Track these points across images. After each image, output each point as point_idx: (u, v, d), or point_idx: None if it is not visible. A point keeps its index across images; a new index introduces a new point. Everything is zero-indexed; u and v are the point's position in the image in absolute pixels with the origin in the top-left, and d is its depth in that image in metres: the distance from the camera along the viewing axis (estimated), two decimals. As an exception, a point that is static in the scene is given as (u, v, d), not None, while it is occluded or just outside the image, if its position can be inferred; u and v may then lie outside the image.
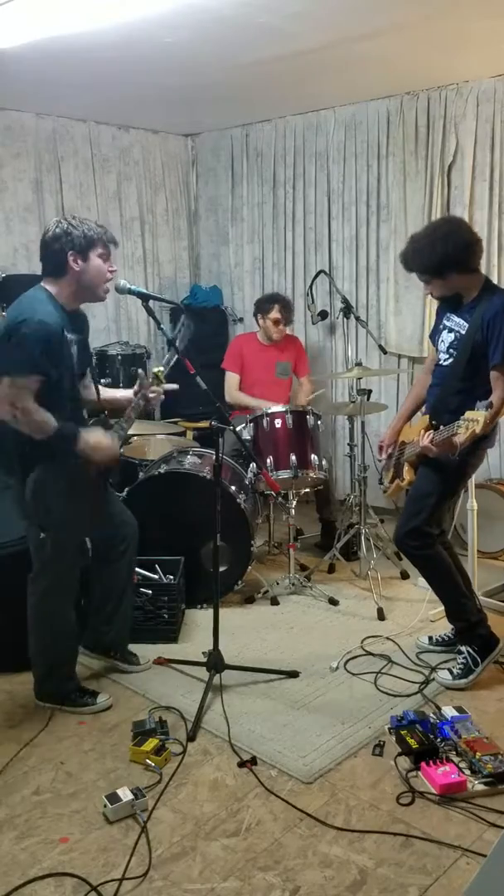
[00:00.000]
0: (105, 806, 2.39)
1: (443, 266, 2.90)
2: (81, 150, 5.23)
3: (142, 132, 5.59)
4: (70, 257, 2.71)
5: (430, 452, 3.00)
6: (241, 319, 5.80)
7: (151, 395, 2.94)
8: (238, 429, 3.53)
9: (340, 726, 2.85)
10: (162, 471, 3.87)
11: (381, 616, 3.74)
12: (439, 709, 2.89)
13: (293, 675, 3.21)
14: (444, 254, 2.87)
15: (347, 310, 4.90)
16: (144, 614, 3.50)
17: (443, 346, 3.08)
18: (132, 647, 3.33)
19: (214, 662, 3.07)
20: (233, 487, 3.82)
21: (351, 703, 3.01)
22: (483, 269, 3.10)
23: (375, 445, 3.50)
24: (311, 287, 5.12)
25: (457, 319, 3.02)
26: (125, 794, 2.42)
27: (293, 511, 4.07)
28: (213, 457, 3.05)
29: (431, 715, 2.85)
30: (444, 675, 3.13)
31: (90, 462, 2.76)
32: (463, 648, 3.16)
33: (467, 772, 2.52)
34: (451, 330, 3.05)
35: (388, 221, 4.90)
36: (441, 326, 3.11)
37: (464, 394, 2.96)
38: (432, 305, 4.55)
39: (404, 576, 4.23)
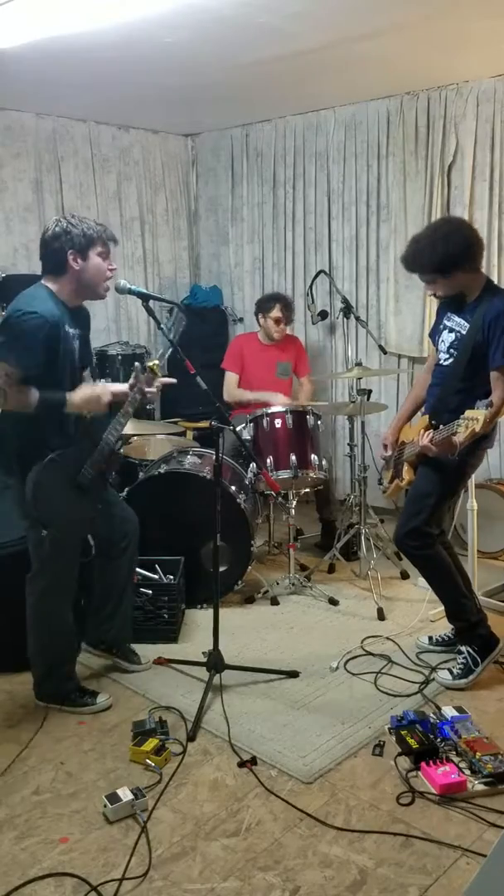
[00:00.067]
0: (105, 806, 2.39)
1: (448, 264, 2.88)
2: (81, 150, 5.23)
3: (142, 132, 5.59)
4: (70, 256, 2.72)
5: (430, 452, 2.99)
6: (241, 319, 5.80)
7: (149, 390, 2.86)
8: (238, 429, 3.53)
9: (340, 726, 2.85)
10: (162, 471, 3.87)
11: (381, 616, 3.74)
12: (439, 709, 2.89)
13: (293, 675, 3.21)
14: (448, 252, 2.86)
15: (347, 310, 4.90)
16: (144, 614, 3.50)
17: (443, 346, 3.08)
18: (133, 647, 3.33)
19: (214, 662, 3.07)
20: (233, 487, 3.82)
21: (351, 703, 3.01)
22: (483, 269, 3.09)
23: (375, 445, 3.50)
24: (311, 287, 5.12)
25: (457, 319, 3.02)
26: (125, 794, 2.42)
27: (293, 511, 4.07)
28: (213, 457, 3.05)
29: (431, 715, 2.85)
30: (444, 675, 3.13)
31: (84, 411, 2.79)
32: (463, 648, 3.16)
33: (467, 772, 2.52)
34: (451, 330, 3.05)
35: (388, 221, 4.90)
36: (441, 326, 3.11)
37: (463, 393, 2.96)
38: (432, 305, 4.55)
39: (404, 576, 4.23)
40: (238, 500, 3.80)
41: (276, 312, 4.67)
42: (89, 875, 2.16)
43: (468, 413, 2.74)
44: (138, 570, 3.58)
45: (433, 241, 2.91)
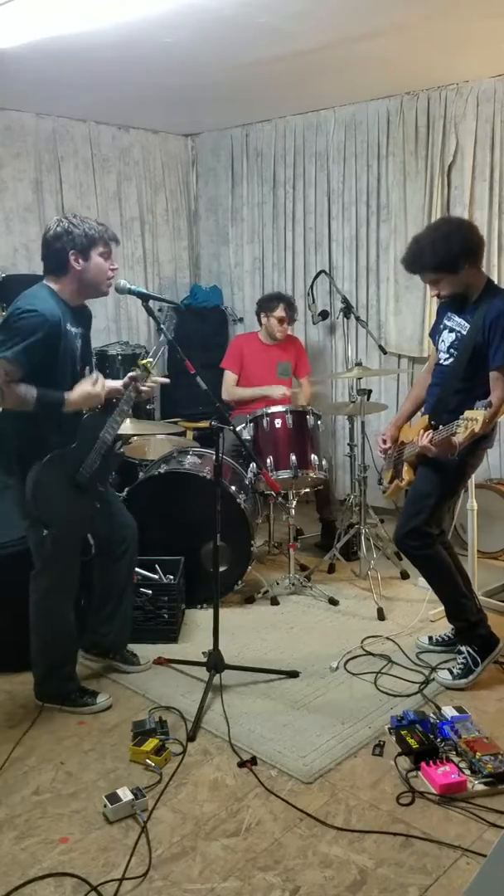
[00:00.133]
0: (105, 806, 2.39)
1: (457, 259, 2.86)
2: (81, 150, 5.23)
3: (142, 132, 5.59)
4: (71, 256, 2.72)
5: (430, 452, 2.99)
6: (241, 319, 5.80)
7: (144, 388, 2.89)
8: (238, 429, 3.53)
9: (340, 726, 2.85)
10: (162, 471, 3.87)
11: (381, 616, 3.74)
12: (439, 709, 2.89)
13: (293, 675, 3.21)
14: (450, 249, 2.85)
15: (347, 310, 4.90)
16: (144, 614, 3.50)
17: (443, 346, 3.08)
18: (132, 648, 3.33)
19: (214, 662, 3.07)
20: (233, 487, 3.82)
21: (351, 703, 3.01)
22: (483, 269, 3.09)
23: (375, 445, 3.49)
24: (311, 287, 5.12)
25: (458, 319, 3.02)
26: (125, 794, 2.42)
27: (293, 511, 4.07)
28: (213, 457, 3.05)
29: (431, 715, 2.85)
30: (444, 675, 3.13)
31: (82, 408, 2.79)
32: (463, 648, 3.16)
33: (467, 772, 2.52)
34: (451, 330, 3.04)
35: (388, 221, 4.90)
36: (441, 326, 3.10)
37: (463, 393, 2.95)
38: (432, 305, 4.55)
39: (404, 576, 4.23)
40: (238, 500, 3.80)
41: (279, 312, 4.67)
42: (89, 875, 2.16)
43: (467, 413, 2.74)
44: (138, 570, 3.58)
45: (433, 240, 2.91)
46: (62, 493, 2.80)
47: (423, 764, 2.55)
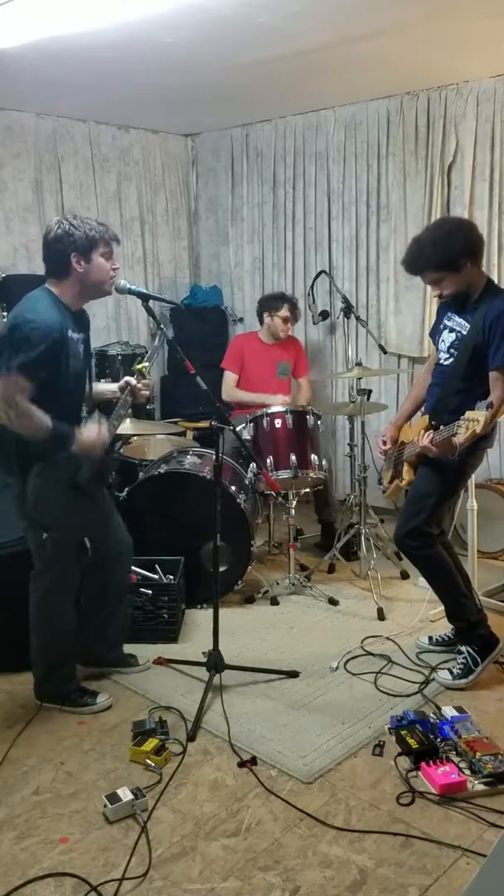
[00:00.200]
0: (105, 806, 2.39)
1: (458, 257, 2.85)
2: (81, 150, 5.23)
3: (142, 132, 5.59)
4: (73, 259, 2.71)
5: (430, 453, 2.99)
6: (241, 319, 5.80)
7: (141, 392, 2.91)
8: (238, 429, 3.53)
9: (340, 726, 2.85)
10: (162, 471, 3.87)
11: (381, 616, 3.74)
12: (439, 709, 2.89)
13: (293, 675, 3.21)
14: (452, 247, 2.85)
15: (348, 310, 4.90)
16: (144, 614, 3.50)
17: (443, 346, 3.08)
18: (132, 648, 3.33)
19: (214, 662, 3.07)
20: (233, 487, 3.82)
21: (351, 703, 3.01)
22: (483, 269, 3.09)
23: (375, 445, 3.49)
24: (312, 287, 5.12)
25: (458, 319, 3.02)
26: (125, 794, 2.42)
27: (293, 511, 4.07)
28: (213, 457, 3.05)
29: (431, 715, 2.85)
30: (444, 675, 3.13)
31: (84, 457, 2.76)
32: (463, 648, 3.16)
33: (467, 772, 2.52)
34: (452, 330, 3.04)
35: (388, 221, 4.90)
36: (442, 326, 3.10)
37: (463, 393, 2.95)
38: (432, 305, 4.55)
39: (404, 576, 4.23)
40: (238, 500, 3.80)
41: (284, 312, 4.68)
42: (89, 875, 2.16)
43: (469, 414, 2.73)
44: (138, 570, 3.59)
45: (434, 238, 2.91)
46: (62, 497, 2.78)
47: (423, 764, 2.55)
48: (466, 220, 3.13)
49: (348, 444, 4.63)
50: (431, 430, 3.00)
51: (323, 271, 5.12)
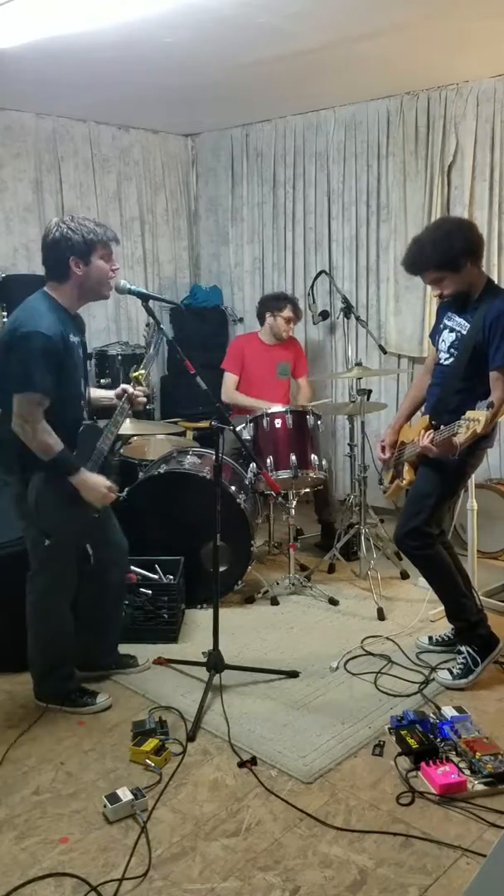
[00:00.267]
0: (105, 806, 2.39)
1: (458, 256, 2.85)
2: (81, 150, 5.23)
3: (142, 132, 5.59)
4: (72, 262, 2.70)
5: (431, 453, 2.99)
6: (241, 319, 5.80)
7: (138, 399, 2.93)
8: (238, 429, 3.53)
9: (340, 726, 2.85)
10: (162, 471, 3.87)
11: (381, 616, 3.74)
12: (439, 709, 2.89)
13: (293, 675, 3.21)
14: (452, 246, 2.85)
15: (348, 310, 4.90)
16: (144, 614, 3.50)
17: (443, 346, 3.08)
18: (132, 648, 3.33)
19: (214, 662, 3.07)
20: (233, 487, 3.82)
21: (351, 703, 3.01)
22: (483, 269, 3.09)
23: (375, 445, 3.49)
24: (312, 287, 5.12)
25: (458, 319, 3.02)
26: (125, 794, 2.42)
27: (293, 511, 4.07)
28: (213, 457, 3.05)
29: (431, 715, 2.85)
30: (444, 675, 3.13)
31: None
32: (463, 648, 3.16)
33: (467, 772, 2.52)
34: (452, 330, 3.04)
35: (388, 221, 4.90)
36: (441, 326, 3.10)
37: (464, 393, 2.95)
38: (432, 305, 4.55)
39: (404, 576, 4.23)
40: (238, 500, 3.80)
41: (287, 312, 4.68)
42: (89, 875, 2.16)
43: (469, 414, 2.73)
44: (139, 570, 3.58)
45: (435, 238, 2.91)
46: (63, 504, 2.77)
47: (422, 764, 2.55)
48: (466, 220, 3.13)
49: (348, 444, 4.63)
50: (432, 430, 3.00)
51: (323, 271, 5.12)
